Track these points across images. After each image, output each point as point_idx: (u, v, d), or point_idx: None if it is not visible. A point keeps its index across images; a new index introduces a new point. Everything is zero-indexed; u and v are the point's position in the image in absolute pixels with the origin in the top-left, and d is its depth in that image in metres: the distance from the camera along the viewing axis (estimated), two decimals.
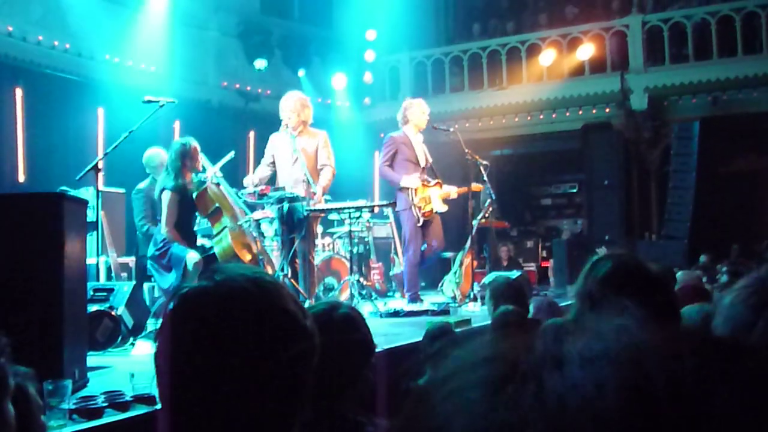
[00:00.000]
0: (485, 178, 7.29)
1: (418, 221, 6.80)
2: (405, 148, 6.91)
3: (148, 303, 5.74)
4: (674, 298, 1.86)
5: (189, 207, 5.39)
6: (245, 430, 0.97)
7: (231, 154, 5.83)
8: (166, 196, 5.28)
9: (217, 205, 5.40)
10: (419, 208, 6.77)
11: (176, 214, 5.27)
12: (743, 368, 0.41)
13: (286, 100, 6.40)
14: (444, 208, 6.96)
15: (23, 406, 1.37)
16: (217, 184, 5.55)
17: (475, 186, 7.32)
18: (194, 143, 5.44)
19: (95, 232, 5.43)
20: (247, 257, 5.37)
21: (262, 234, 6.96)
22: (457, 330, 4.88)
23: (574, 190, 15.08)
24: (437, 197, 6.91)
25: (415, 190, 6.85)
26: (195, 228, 5.76)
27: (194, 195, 5.34)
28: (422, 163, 6.97)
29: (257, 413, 0.97)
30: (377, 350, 2.24)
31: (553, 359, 0.41)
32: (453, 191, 7.10)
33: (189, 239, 5.41)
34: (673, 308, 1.80)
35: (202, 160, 5.55)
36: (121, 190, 7.15)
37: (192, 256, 5.10)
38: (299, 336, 1.01)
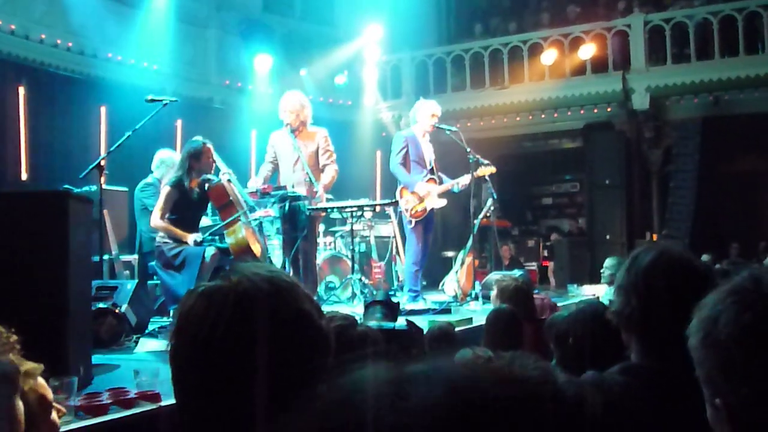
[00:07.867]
0: (487, 177, 7.28)
1: (410, 222, 6.80)
2: (413, 148, 6.90)
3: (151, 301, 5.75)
4: None
5: (189, 205, 5.36)
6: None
7: None
8: (165, 190, 5.33)
9: (231, 198, 5.42)
10: (407, 210, 6.76)
11: (168, 209, 5.27)
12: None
13: (286, 100, 6.40)
14: (441, 202, 6.88)
15: (34, 402, 1.38)
16: (228, 181, 5.53)
17: (483, 170, 7.05)
18: (206, 144, 5.42)
19: (98, 231, 5.43)
20: (258, 249, 5.40)
21: (262, 233, 6.96)
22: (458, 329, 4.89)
23: (576, 190, 15.07)
24: (434, 194, 6.86)
25: (401, 191, 6.82)
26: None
27: (206, 188, 5.36)
28: (428, 165, 6.96)
29: (271, 411, 0.98)
30: None
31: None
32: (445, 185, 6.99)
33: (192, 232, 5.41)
34: None
35: (216, 160, 5.54)
36: (124, 189, 7.15)
37: (210, 249, 5.15)
38: (314, 336, 1.02)
